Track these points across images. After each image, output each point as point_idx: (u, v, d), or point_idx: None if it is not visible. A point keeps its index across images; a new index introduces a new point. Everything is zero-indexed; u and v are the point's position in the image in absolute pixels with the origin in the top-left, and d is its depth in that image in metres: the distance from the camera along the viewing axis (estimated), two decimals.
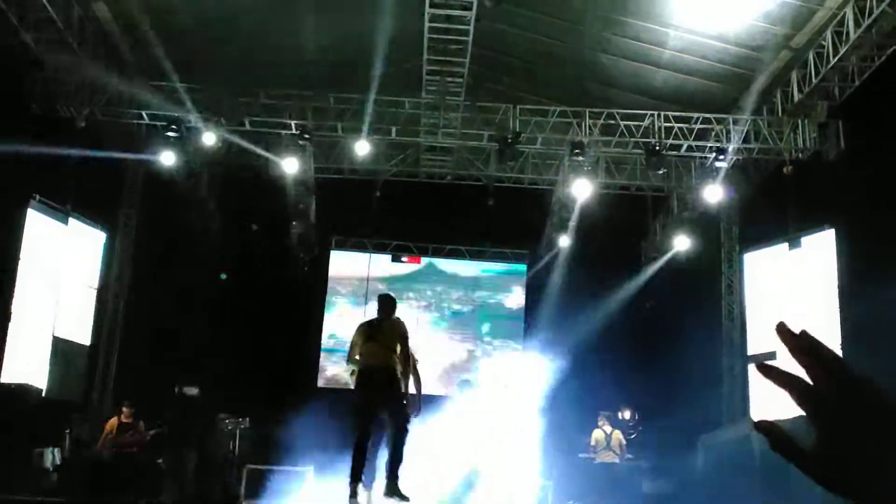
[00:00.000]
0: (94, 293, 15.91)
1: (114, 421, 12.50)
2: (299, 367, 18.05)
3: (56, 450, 13.08)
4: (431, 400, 14.83)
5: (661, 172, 15.73)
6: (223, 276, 17.16)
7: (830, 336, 14.52)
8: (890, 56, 12.72)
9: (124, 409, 12.54)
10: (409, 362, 8.18)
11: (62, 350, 14.79)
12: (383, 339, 8.05)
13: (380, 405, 7.89)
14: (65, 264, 14.93)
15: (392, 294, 8.85)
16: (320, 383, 18.06)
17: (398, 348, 8.00)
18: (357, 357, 8.10)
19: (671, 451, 15.11)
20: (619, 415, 15.87)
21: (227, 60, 15.18)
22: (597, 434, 13.50)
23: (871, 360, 12.77)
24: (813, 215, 15.02)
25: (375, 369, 7.90)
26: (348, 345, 8.38)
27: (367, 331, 8.22)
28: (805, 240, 15.53)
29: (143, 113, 15.10)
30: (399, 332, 8.17)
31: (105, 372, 16.76)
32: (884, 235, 12.27)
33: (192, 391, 12.87)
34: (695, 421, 15.67)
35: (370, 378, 7.90)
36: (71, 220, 15.08)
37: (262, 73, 15.57)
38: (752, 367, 16.40)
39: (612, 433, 13.41)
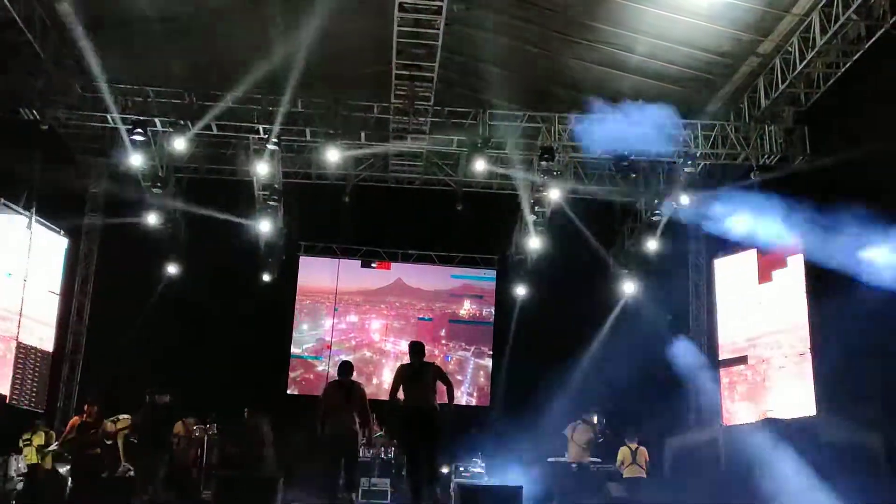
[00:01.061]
0: (58, 299, 15.63)
1: (76, 420, 12.24)
2: (269, 373, 17.89)
3: (21, 457, 12.87)
4: None
5: (632, 176, 15.78)
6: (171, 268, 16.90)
7: (800, 342, 14.70)
8: (855, 62, 12.87)
9: (87, 409, 12.28)
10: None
11: (25, 356, 14.53)
12: (424, 382, 9.23)
13: (422, 438, 9.13)
14: (28, 269, 14.67)
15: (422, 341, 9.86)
16: (290, 390, 17.90)
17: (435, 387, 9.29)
18: (399, 397, 9.22)
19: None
20: (587, 419, 15.89)
21: (194, 63, 15.04)
22: (623, 451, 13.61)
23: (840, 361, 12.96)
24: (780, 220, 15.13)
25: (420, 409, 9.11)
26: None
27: (409, 373, 9.29)
28: (773, 245, 15.64)
29: (108, 116, 14.89)
30: (438, 374, 9.46)
31: (70, 378, 16.51)
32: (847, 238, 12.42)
33: (164, 399, 12.69)
34: (662, 425, 15.75)
35: (416, 416, 9.13)
36: (34, 224, 14.83)
37: (228, 77, 15.43)
38: (722, 372, 16.51)
39: (637, 449, 13.52)
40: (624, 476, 13.50)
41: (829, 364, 13.62)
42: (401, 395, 9.20)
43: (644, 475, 13.48)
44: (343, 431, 9.37)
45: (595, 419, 15.92)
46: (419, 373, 9.33)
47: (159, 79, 15.04)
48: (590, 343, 17.67)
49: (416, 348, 9.50)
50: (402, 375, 9.33)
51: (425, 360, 9.54)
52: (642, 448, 13.66)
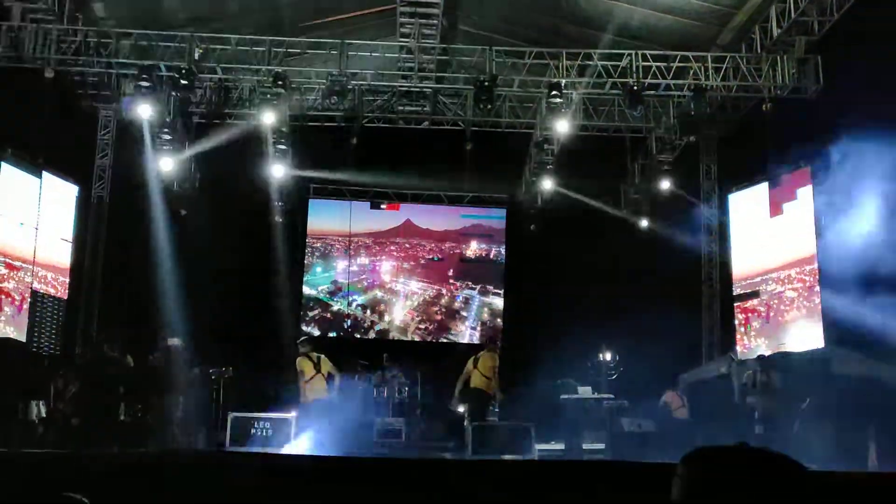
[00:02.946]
0: (70, 246, 15.74)
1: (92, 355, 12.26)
2: (281, 317, 18.02)
3: (41, 402, 13.06)
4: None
5: (636, 114, 15.62)
6: (183, 213, 16.94)
7: (810, 275, 14.65)
8: None
9: (109, 343, 12.32)
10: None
11: (40, 304, 14.69)
12: (482, 368, 12.55)
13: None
14: (39, 218, 14.75)
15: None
16: (306, 328, 18.04)
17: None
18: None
19: (651, 390, 15.26)
20: (600, 356, 15.99)
21: (197, 6, 14.90)
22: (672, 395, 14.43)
23: (850, 294, 12.92)
24: (791, 153, 14.99)
25: (478, 391, 12.57)
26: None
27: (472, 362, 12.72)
28: (784, 178, 15.52)
29: (113, 62, 14.81)
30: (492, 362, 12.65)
31: (85, 326, 16.69)
32: (857, 171, 12.28)
33: (175, 342, 12.83)
34: (675, 360, 15.81)
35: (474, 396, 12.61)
36: (45, 173, 14.86)
37: (232, 19, 15.29)
38: (736, 307, 16.51)
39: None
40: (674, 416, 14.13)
41: (838, 297, 13.57)
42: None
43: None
44: (481, 387, 12.53)
45: (609, 356, 16.06)
46: (476, 361, 12.61)
47: (162, 23, 14.91)
48: (601, 281, 17.65)
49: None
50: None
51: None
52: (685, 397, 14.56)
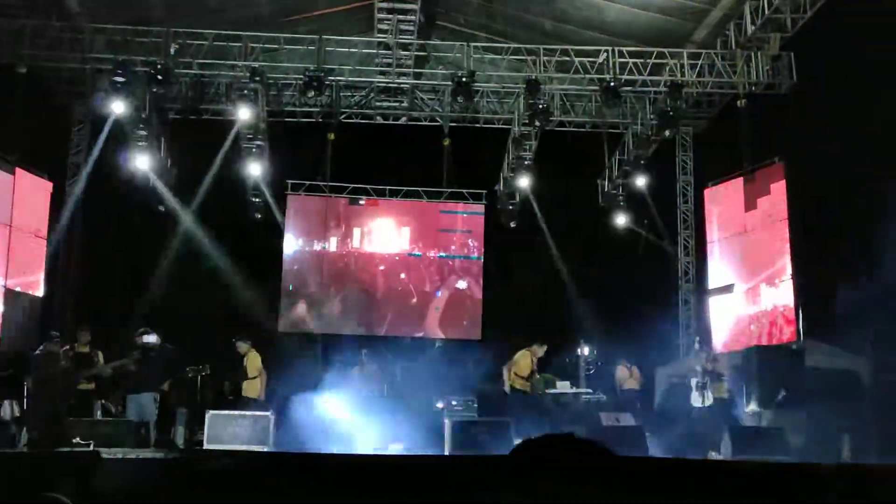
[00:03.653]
0: (44, 243, 15.59)
1: (67, 350, 12.18)
2: (260, 312, 17.95)
3: (13, 402, 12.95)
4: None
5: (611, 108, 15.70)
6: (161, 208, 16.85)
7: (783, 269, 14.81)
8: None
9: (80, 336, 12.23)
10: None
11: (14, 302, 14.55)
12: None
13: None
14: (13, 214, 14.60)
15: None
16: (281, 328, 17.99)
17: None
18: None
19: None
20: (578, 351, 16.06)
21: (173, 1, 14.80)
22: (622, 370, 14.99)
23: (823, 287, 13.07)
24: (765, 148, 15.14)
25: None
26: None
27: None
28: (758, 173, 15.67)
29: (86, 57, 14.68)
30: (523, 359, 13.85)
31: (60, 323, 16.54)
32: (830, 167, 12.42)
33: (151, 339, 12.76)
34: (652, 355, 15.94)
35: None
36: (17, 169, 14.71)
37: (208, 14, 15.20)
38: (711, 301, 16.65)
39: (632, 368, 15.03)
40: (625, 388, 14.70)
41: (811, 290, 13.74)
42: None
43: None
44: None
45: (586, 350, 16.13)
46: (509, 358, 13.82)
47: (137, 18, 14.79)
48: (579, 275, 17.74)
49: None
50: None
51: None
52: (635, 368, 14.85)
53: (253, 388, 13.43)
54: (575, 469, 1.84)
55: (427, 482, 5.02)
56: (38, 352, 12.09)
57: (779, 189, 15.04)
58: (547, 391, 14.53)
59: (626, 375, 15.04)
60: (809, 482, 4.87)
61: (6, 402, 12.67)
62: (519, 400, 14.03)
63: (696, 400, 13.37)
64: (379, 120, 17.85)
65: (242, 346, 13.61)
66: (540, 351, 14.17)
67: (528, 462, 1.87)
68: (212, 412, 12.95)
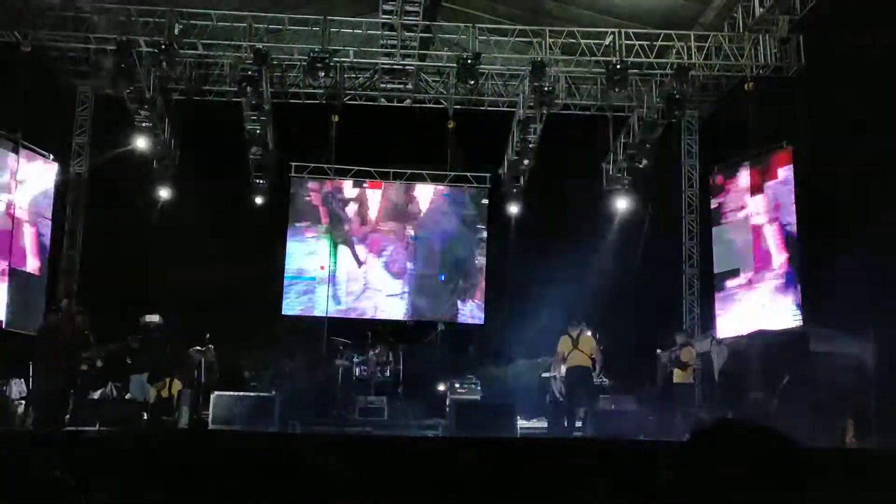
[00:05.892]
0: (49, 224, 15.60)
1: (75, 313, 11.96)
2: (263, 295, 17.97)
3: (20, 380, 13.01)
4: None
5: (617, 91, 15.59)
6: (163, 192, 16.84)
7: (789, 254, 14.78)
8: None
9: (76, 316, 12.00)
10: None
11: (19, 282, 14.56)
12: (582, 348, 12.61)
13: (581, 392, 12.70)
14: (17, 195, 14.59)
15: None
16: (284, 311, 17.99)
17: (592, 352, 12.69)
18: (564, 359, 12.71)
19: (633, 368, 15.39)
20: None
21: None
22: (564, 340, 12.86)
23: (828, 272, 13.03)
24: (772, 132, 15.05)
25: (580, 368, 12.56)
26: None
27: (571, 342, 12.63)
28: (766, 157, 15.60)
29: (91, 36, 14.62)
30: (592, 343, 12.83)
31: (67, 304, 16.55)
32: (839, 150, 12.35)
33: (154, 319, 12.80)
34: (656, 338, 15.91)
35: (575, 374, 12.59)
36: (22, 150, 14.69)
37: None
38: (716, 284, 16.60)
39: (579, 336, 12.77)
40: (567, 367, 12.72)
41: (817, 274, 13.70)
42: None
43: (588, 365, 12.72)
44: (583, 364, 12.57)
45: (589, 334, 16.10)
46: (577, 341, 12.58)
47: None
48: (585, 260, 17.69)
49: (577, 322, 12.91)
50: (566, 343, 12.62)
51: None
52: (587, 335, 12.93)
53: None
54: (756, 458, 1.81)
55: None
56: (40, 326, 12.12)
57: (786, 173, 14.98)
58: (549, 373, 14.53)
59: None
60: None
61: (13, 382, 12.74)
62: (521, 382, 14.05)
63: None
64: (383, 102, 17.76)
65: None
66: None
67: (708, 448, 1.83)
68: (217, 393, 13.02)
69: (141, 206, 16.56)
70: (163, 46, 14.37)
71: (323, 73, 14.96)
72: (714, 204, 16.88)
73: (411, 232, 18.51)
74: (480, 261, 18.50)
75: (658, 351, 14.04)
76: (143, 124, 15.71)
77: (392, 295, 18.24)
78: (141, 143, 15.96)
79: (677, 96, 15.39)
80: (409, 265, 18.36)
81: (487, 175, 18.45)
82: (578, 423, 12.98)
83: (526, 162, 16.82)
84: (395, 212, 18.53)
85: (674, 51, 15.28)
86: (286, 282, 18.08)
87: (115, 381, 13.22)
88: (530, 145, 16.58)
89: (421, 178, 18.57)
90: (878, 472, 5.07)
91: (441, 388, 15.41)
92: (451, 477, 4.87)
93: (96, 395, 12.98)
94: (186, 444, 6.03)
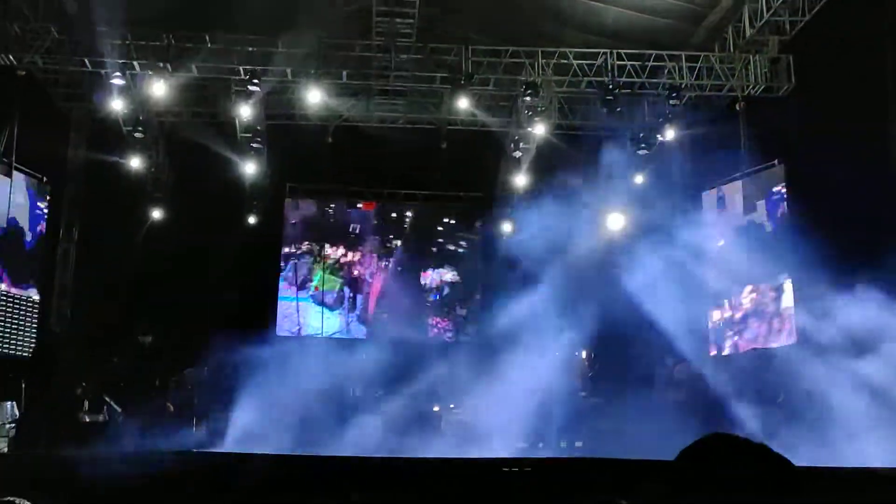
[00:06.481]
0: (42, 244, 15.58)
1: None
2: (258, 315, 17.93)
3: (13, 403, 12.96)
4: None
5: (606, 109, 15.66)
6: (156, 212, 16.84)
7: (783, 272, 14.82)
8: None
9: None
10: None
11: (11, 304, 14.53)
12: None
13: None
14: (9, 217, 14.60)
15: None
16: (279, 332, 17.96)
17: None
18: None
19: (628, 387, 15.36)
20: (577, 354, 16.04)
21: (172, 4, 14.76)
22: None
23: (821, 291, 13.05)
24: (764, 151, 15.15)
25: None
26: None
27: None
28: (758, 176, 15.68)
29: (86, 60, 14.67)
30: None
31: (58, 325, 16.53)
32: (830, 169, 12.41)
33: (146, 339, 12.79)
34: (648, 358, 15.92)
35: None
36: (14, 172, 14.71)
37: (207, 18, 15.17)
38: (709, 304, 16.63)
39: None
40: None
41: (810, 293, 13.72)
42: None
43: None
44: None
45: (584, 354, 16.12)
46: None
47: (139, 21, 14.77)
48: (577, 279, 17.69)
49: None
50: None
51: None
52: None
53: None
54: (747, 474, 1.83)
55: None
56: (32, 352, 12.12)
57: (779, 191, 15.06)
58: None
59: None
60: None
61: (7, 404, 12.70)
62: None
63: None
64: (376, 122, 17.83)
65: None
66: None
67: (699, 464, 1.85)
68: (210, 413, 12.99)
69: (135, 226, 16.56)
70: (158, 66, 14.43)
71: (316, 95, 15.03)
72: (707, 222, 16.91)
73: (406, 250, 18.53)
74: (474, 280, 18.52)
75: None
76: (138, 145, 15.74)
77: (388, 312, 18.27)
78: (135, 163, 15.99)
79: (669, 116, 15.51)
80: (405, 282, 18.38)
81: (481, 195, 18.49)
82: (579, 443, 13.03)
83: (519, 182, 16.87)
84: (390, 230, 18.54)
85: (665, 71, 15.39)
86: (280, 301, 18.06)
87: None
88: (523, 165, 16.64)
89: (414, 198, 18.61)
90: (873, 490, 5.08)
91: (435, 409, 15.37)
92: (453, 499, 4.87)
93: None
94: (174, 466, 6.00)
